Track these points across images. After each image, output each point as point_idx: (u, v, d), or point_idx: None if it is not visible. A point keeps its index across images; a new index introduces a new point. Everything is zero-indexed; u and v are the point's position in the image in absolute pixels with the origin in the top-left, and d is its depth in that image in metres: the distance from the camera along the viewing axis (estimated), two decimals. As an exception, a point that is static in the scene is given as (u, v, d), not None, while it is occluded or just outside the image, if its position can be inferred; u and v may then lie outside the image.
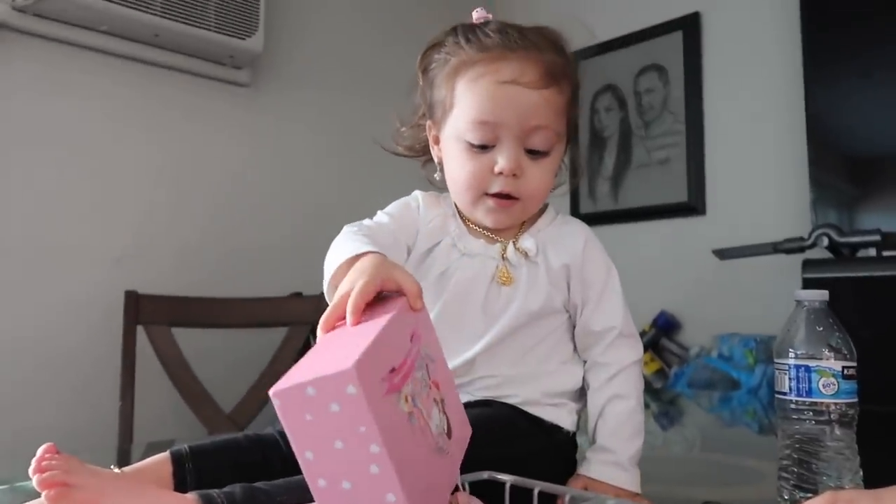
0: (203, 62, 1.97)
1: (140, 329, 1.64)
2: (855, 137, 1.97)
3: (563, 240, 0.80)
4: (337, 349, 0.49)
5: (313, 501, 0.48)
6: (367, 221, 0.80)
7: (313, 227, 2.19)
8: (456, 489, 0.54)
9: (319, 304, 2.00)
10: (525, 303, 0.76)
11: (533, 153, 0.75)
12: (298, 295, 1.89)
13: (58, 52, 1.73)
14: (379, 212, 0.84)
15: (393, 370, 0.46)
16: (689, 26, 2.31)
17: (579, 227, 0.83)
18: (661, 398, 2.03)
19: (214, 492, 0.55)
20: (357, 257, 0.63)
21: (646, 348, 2.24)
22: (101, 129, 1.80)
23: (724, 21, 2.26)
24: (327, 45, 2.30)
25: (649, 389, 2.14)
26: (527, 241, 0.79)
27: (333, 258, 0.67)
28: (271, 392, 0.45)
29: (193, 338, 1.70)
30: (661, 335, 2.26)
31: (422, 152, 0.87)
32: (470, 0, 0.96)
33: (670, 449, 1.37)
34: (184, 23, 1.82)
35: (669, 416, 1.85)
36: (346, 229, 0.74)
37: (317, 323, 1.92)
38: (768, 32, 2.15)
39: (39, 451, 0.54)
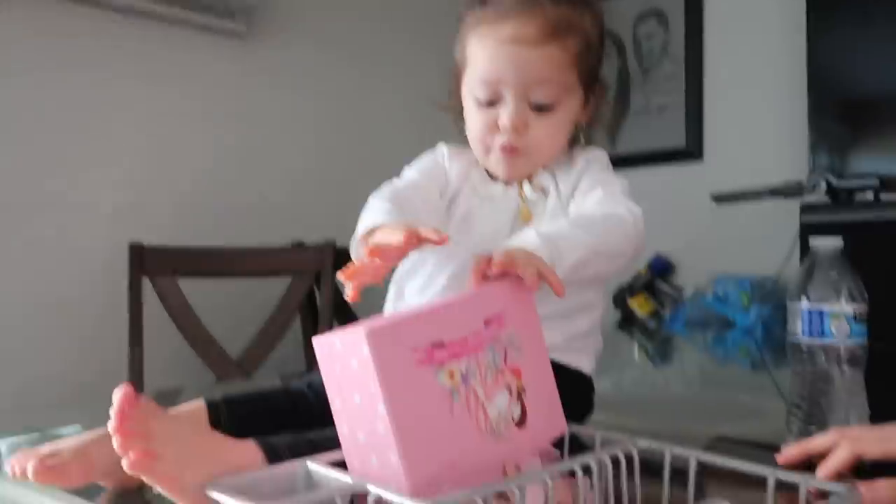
0: (198, 13, 1.92)
1: (145, 280, 1.64)
2: (854, 83, 1.97)
3: (571, 166, 0.82)
4: (393, 315, 0.55)
5: None
6: (395, 182, 0.83)
7: (313, 177, 2.19)
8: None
9: (322, 253, 2.00)
10: None
11: (539, 108, 0.77)
12: (300, 245, 1.90)
13: (49, 3, 1.68)
14: (406, 168, 0.86)
15: (439, 345, 0.48)
16: (691, -32, 2.27)
17: (589, 151, 0.85)
18: (656, 338, 2.08)
19: (277, 442, 0.56)
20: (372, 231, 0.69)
21: (641, 289, 2.29)
22: (96, 81, 1.77)
23: (726, -39, 2.22)
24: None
25: (644, 330, 2.19)
26: (542, 177, 0.82)
27: (358, 228, 0.73)
28: (314, 338, 0.50)
29: (198, 287, 1.71)
30: (655, 277, 2.30)
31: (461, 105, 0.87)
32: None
33: (670, 387, 1.41)
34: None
35: (666, 355, 1.90)
36: (375, 196, 0.78)
37: (320, 271, 1.93)
38: (771, -26, 2.12)
39: (117, 398, 0.51)
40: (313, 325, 1.83)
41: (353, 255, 0.71)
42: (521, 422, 0.54)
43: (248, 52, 2.06)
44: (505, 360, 0.54)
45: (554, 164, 0.83)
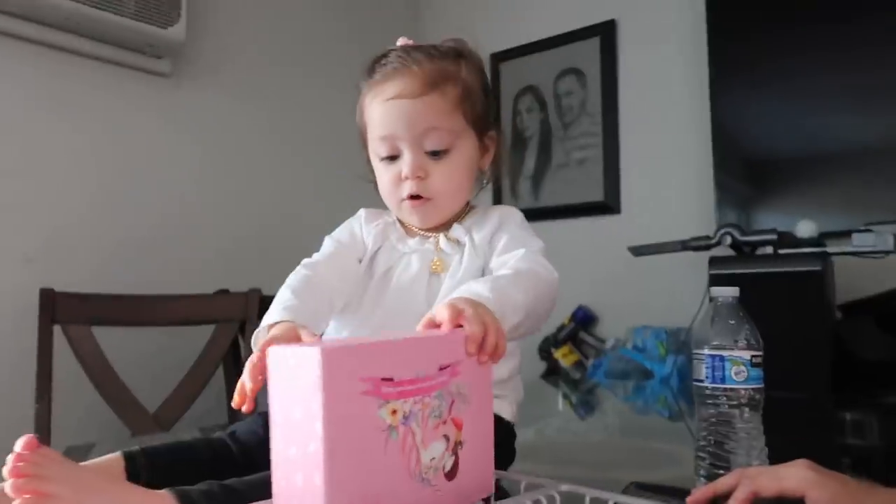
0: (122, 51, 1.90)
1: (57, 329, 1.57)
2: (755, 142, 2.14)
3: (486, 220, 0.88)
4: (350, 340, 0.57)
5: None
6: (314, 258, 0.88)
7: (237, 221, 2.17)
8: None
9: (246, 300, 1.96)
10: (454, 285, 0.81)
11: (434, 153, 0.83)
12: (225, 292, 1.86)
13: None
14: (326, 238, 0.92)
15: (388, 380, 0.49)
16: (606, 32, 2.42)
17: (502, 207, 0.91)
18: (579, 388, 2.14)
19: (193, 490, 0.55)
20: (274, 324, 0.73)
21: (565, 341, 2.35)
22: (10, 119, 1.71)
23: (638, 29, 2.39)
24: (253, 36, 2.26)
25: (568, 380, 2.24)
26: (456, 231, 0.87)
27: (264, 319, 0.77)
28: (269, 347, 0.51)
29: (114, 337, 1.65)
30: (579, 328, 2.37)
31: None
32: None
33: (592, 435, 1.45)
34: (99, 8, 1.75)
35: (589, 405, 1.95)
36: (288, 280, 0.82)
37: (245, 320, 1.88)
38: (679, 41, 2.29)
39: (18, 445, 0.51)
40: (237, 377, 1.78)
41: (252, 347, 0.73)
42: (452, 474, 0.55)
43: (174, 91, 2.04)
44: (450, 410, 0.55)
45: (469, 218, 0.89)
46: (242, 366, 0.65)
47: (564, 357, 2.33)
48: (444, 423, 0.54)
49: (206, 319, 1.76)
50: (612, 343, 2.22)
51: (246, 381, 0.63)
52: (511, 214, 0.88)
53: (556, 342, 2.35)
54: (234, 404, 0.64)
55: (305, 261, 0.87)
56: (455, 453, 0.55)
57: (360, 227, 0.92)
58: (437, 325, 0.59)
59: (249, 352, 0.64)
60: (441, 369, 0.54)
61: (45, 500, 0.49)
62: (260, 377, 0.63)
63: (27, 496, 0.49)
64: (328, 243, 0.91)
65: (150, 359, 1.77)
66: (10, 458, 0.50)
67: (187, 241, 2.02)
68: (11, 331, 1.63)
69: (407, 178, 0.83)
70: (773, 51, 2.04)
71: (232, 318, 1.75)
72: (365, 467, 0.48)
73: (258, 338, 0.73)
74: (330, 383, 0.46)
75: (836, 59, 1.95)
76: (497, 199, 2.56)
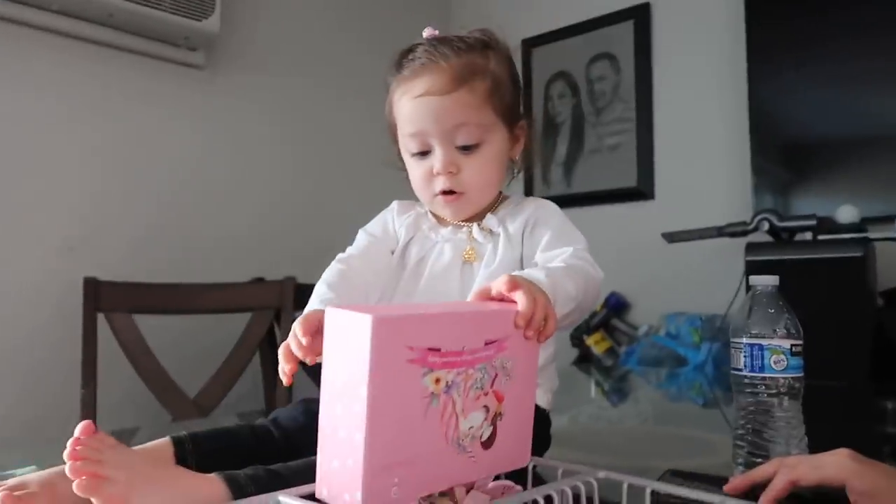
0: (157, 43, 1.94)
1: (99, 316, 1.62)
2: (793, 127, 2.09)
3: (520, 212, 0.88)
4: (402, 308, 0.60)
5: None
6: (348, 252, 0.89)
7: (270, 212, 2.20)
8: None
9: (281, 289, 1.99)
10: (489, 275, 0.82)
11: (464, 149, 0.84)
12: (260, 280, 1.89)
13: (5, 32, 1.67)
14: (360, 231, 0.93)
15: (435, 350, 0.51)
16: (640, 16, 2.39)
17: (536, 199, 0.91)
18: (612, 375, 2.13)
19: (241, 474, 0.57)
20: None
21: (597, 328, 2.34)
22: (52, 113, 1.76)
23: (673, 12, 2.35)
24: (286, 27, 2.28)
25: (600, 367, 2.24)
26: (490, 221, 0.87)
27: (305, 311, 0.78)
28: (328, 307, 0.52)
29: (154, 324, 1.69)
30: (611, 315, 2.36)
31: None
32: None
33: (626, 423, 1.45)
34: (138, 3, 1.79)
35: (621, 392, 1.94)
36: (324, 275, 0.84)
37: (281, 308, 1.91)
38: (715, 25, 2.24)
39: (77, 430, 0.54)
40: (273, 364, 1.82)
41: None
42: (488, 443, 0.57)
43: (207, 84, 2.07)
44: (492, 383, 0.56)
45: (502, 209, 0.89)
46: (278, 352, 0.67)
47: (597, 344, 2.32)
48: (486, 394, 0.55)
49: (242, 307, 1.80)
50: (644, 330, 2.21)
51: (294, 352, 0.66)
52: (548, 208, 0.88)
53: (589, 329, 2.34)
54: (285, 374, 0.66)
55: (340, 256, 0.89)
56: (493, 424, 0.57)
57: (392, 220, 0.93)
58: (490, 298, 0.60)
59: (285, 338, 0.66)
60: (487, 344, 0.55)
61: (101, 482, 0.52)
62: (308, 357, 0.65)
63: (84, 478, 0.51)
64: (362, 237, 0.92)
65: (189, 346, 1.81)
66: (69, 443, 0.52)
67: (220, 230, 2.05)
68: (53, 317, 1.68)
69: (439, 173, 0.84)
70: (812, 33, 1.99)
71: (268, 306, 1.78)
72: (404, 430, 0.50)
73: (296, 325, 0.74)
74: (378, 350, 0.47)
75: (876, 40, 1.89)
76: (528, 187, 2.55)
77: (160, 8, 1.82)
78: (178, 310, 1.74)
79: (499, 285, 0.59)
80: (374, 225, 0.94)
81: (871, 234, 1.66)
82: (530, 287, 0.60)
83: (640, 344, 2.15)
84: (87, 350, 1.57)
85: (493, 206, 0.90)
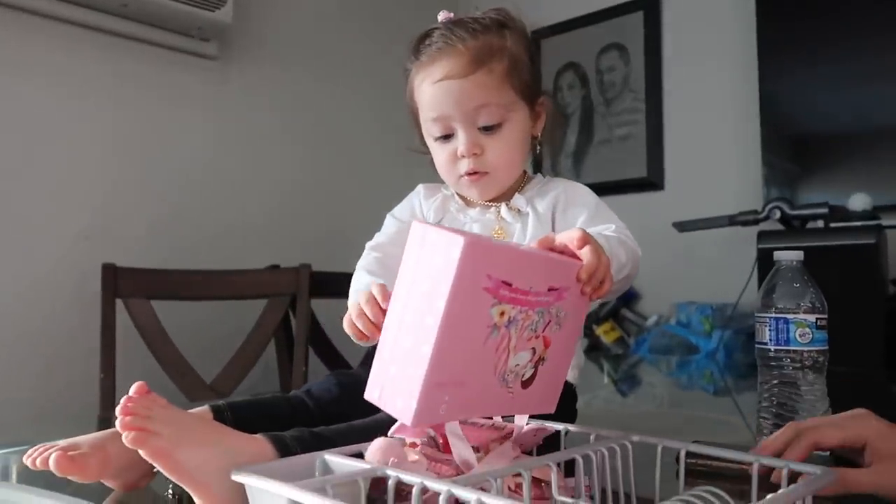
0: (171, 34, 1.95)
1: (118, 303, 1.63)
2: (803, 118, 2.10)
3: (548, 191, 0.89)
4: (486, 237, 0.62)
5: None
6: (377, 239, 0.91)
7: (284, 201, 2.21)
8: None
9: (297, 276, 1.99)
10: None
11: (486, 129, 0.85)
12: (276, 267, 1.91)
13: (20, 22, 1.69)
14: (388, 217, 0.94)
15: (507, 284, 0.52)
16: (650, 6, 2.40)
17: (565, 181, 0.92)
18: (622, 364, 2.14)
19: (286, 434, 0.59)
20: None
21: (607, 318, 2.35)
22: (67, 102, 1.77)
23: (683, 2, 2.35)
24: (298, 18, 2.29)
25: (609, 356, 2.25)
26: (518, 201, 0.89)
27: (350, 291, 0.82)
28: (413, 222, 0.54)
29: (171, 310, 1.70)
30: (621, 305, 2.37)
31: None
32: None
33: (641, 406, 1.46)
34: (153, -7, 1.80)
35: (633, 380, 1.95)
36: (360, 264, 0.86)
37: (296, 295, 1.91)
38: (725, 16, 2.25)
39: (132, 390, 0.57)
40: (288, 350, 1.84)
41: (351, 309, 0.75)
42: (527, 384, 0.58)
43: (220, 74, 2.08)
44: (545, 328, 0.58)
45: (529, 189, 0.90)
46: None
47: (606, 334, 2.34)
48: (537, 337, 0.57)
49: (258, 294, 1.81)
50: (654, 319, 2.22)
51: (373, 319, 0.67)
52: (579, 188, 0.89)
53: (598, 319, 2.35)
54: (364, 333, 0.68)
55: (370, 243, 0.90)
56: (536, 367, 0.58)
57: (419, 203, 0.94)
58: (552, 248, 0.61)
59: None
60: (550, 290, 0.56)
61: (148, 436, 0.54)
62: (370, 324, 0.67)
63: (133, 433, 0.53)
64: (390, 222, 0.93)
65: (205, 331, 1.82)
66: (122, 399, 0.55)
67: (234, 219, 2.07)
68: (72, 304, 1.69)
69: (463, 156, 0.85)
70: (822, 25, 2.00)
71: (283, 293, 1.79)
72: (464, 353, 0.52)
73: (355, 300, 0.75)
74: (462, 270, 0.49)
75: (886, 33, 1.90)
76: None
77: (174, -2, 1.83)
78: (195, 296, 1.75)
79: (568, 238, 0.60)
80: (401, 209, 0.94)
81: (884, 222, 1.67)
82: (597, 246, 0.61)
83: (652, 332, 2.16)
84: (105, 336, 1.59)
85: (519, 186, 0.91)
